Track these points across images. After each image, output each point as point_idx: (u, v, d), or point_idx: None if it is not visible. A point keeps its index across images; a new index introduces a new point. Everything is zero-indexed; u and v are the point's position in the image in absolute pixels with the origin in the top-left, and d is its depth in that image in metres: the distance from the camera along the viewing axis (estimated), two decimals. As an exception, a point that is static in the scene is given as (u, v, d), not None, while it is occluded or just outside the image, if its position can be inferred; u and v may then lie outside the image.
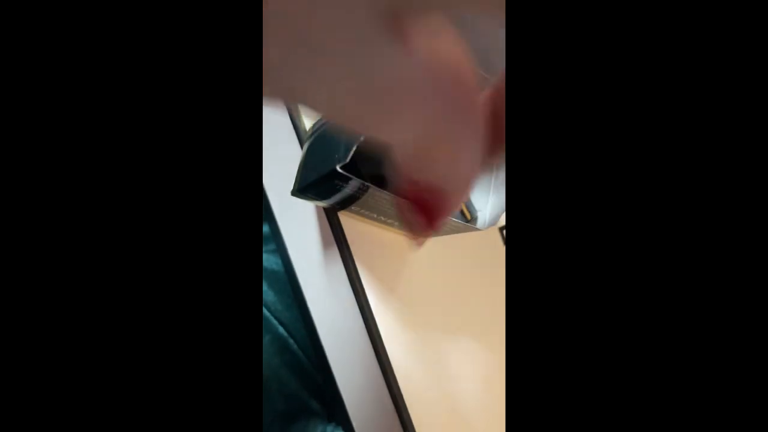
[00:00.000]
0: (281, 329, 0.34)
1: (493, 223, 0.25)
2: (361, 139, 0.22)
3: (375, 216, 0.29)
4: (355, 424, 0.35)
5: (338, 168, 0.22)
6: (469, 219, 0.28)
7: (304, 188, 0.26)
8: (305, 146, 0.26)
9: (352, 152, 0.22)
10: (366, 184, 0.23)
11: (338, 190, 0.25)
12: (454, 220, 0.24)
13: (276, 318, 0.34)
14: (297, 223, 0.33)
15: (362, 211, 0.28)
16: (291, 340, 0.34)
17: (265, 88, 0.10)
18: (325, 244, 0.32)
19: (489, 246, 0.33)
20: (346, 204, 0.28)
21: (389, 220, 0.28)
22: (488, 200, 0.27)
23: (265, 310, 0.34)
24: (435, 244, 0.32)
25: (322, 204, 0.29)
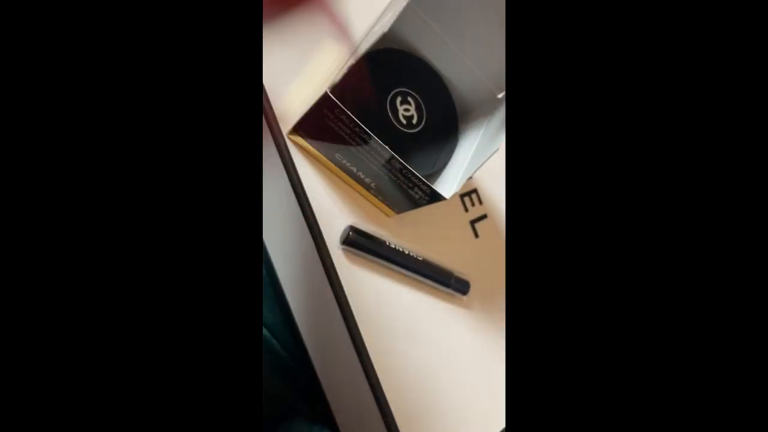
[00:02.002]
0: (264, 331, 0.35)
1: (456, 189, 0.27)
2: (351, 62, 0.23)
3: (354, 171, 0.29)
4: (339, 423, 0.35)
5: (328, 91, 0.23)
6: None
7: (297, 125, 0.28)
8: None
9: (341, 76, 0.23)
10: (353, 119, 0.24)
11: (328, 127, 0.26)
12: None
13: (258, 319, 0.34)
14: (277, 225, 0.34)
15: (345, 161, 0.29)
16: (274, 341, 0.35)
17: None
18: (306, 248, 0.32)
19: (463, 242, 0.35)
20: (335, 151, 0.28)
21: (368, 180, 0.29)
22: (459, 173, 0.29)
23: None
24: (412, 235, 0.33)
25: (313, 147, 0.30)
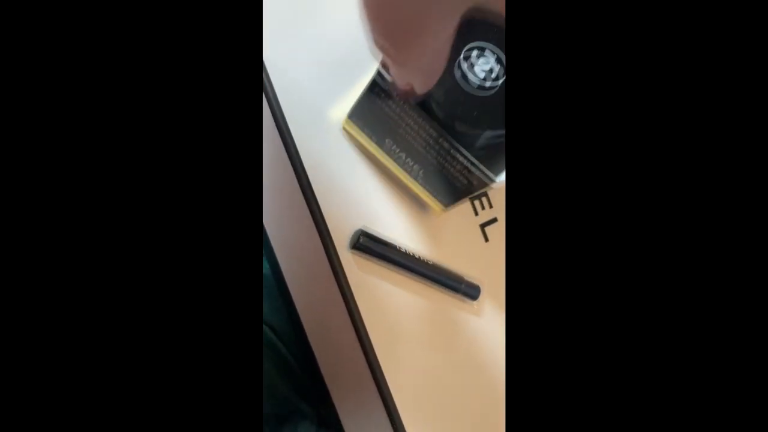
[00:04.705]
0: (269, 332, 0.34)
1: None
2: None
3: (404, 158, 0.29)
4: (345, 425, 0.35)
5: (380, 69, 0.23)
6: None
7: (351, 113, 0.28)
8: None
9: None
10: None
11: (380, 108, 0.26)
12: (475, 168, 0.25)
13: (264, 321, 0.34)
14: (285, 226, 0.33)
15: (395, 147, 0.29)
16: (279, 343, 0.35)
17: None
18: (313, 248, 0.32)
19: (473, 246, 0.34)
20: (385, 136, 0.29)
21: (416, 167, 0.29)
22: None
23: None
24: (421, 239, 0.33)
25: (368, 139, 0.30)
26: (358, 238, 0.30)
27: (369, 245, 0.30)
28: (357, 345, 0.32)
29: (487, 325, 0.34)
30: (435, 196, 0.31)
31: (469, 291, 0.32)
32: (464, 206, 0.34)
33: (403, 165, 0.30)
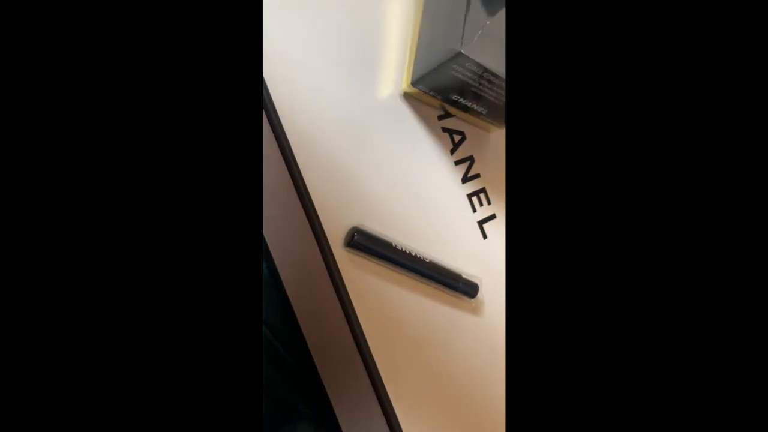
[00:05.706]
0: (266, 332, 0.34)
1: None
2: (487, 23, 0.24)
3: (469, 105, 0.31)
4: (343, 425, 0.35)
5: (462, 50, 0.24)
6: None
7: (418, 80, 0.30)
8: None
9: (477, 35, 0.24)
10: (484, 67, 0.25)
11: (453, 78, 0.28)
12: None
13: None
14: (278, 224, 0.33)
15: (462, 100, 0.31)
16: (277, 343, 0.34)
17: None
18: (307, 246, 0.32)
19: (471, 244, 0.34)
20: (451, 95, 0.30)
21: (483, 110, 0.32)
22: None
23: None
24: (418, 236, 0.32)
25: (433, 98, 0.32)
26: (353, 236, 0.29)
27: (364, 243, 0.30)
28: (353, 344, 0.32)
29: (485, 322, 0.33)
30: (495, 124, 0.33)
31: (467, 288, 0.32)
32: (462, 203, 0.34)
33: (467, 110, 0.32)
